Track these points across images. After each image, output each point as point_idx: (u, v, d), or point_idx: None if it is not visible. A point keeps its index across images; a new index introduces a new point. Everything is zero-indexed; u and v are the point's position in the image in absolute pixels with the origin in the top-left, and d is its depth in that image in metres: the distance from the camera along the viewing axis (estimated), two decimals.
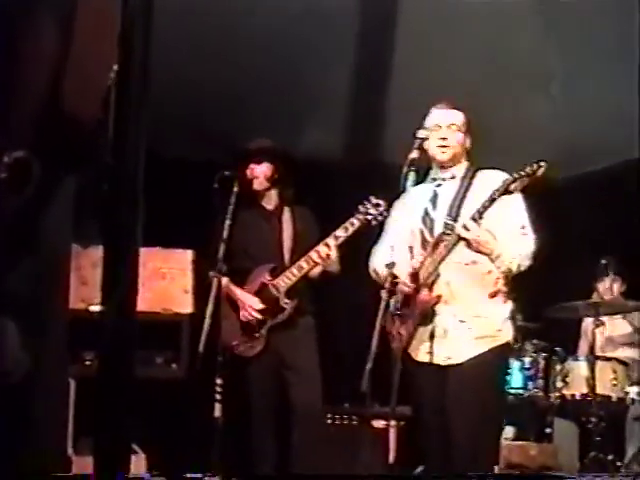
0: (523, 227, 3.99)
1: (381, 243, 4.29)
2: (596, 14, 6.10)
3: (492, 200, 3.77)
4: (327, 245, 4.79)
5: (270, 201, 5.12)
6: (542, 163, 3.76)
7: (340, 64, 6.34)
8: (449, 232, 3.91)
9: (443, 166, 4.12)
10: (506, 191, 3.77)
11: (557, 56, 6.73)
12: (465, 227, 3.80)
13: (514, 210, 3.96)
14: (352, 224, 4.80)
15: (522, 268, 3.97)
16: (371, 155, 6.79)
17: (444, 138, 4.06)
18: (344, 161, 6.98)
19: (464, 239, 3.82)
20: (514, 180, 3.76)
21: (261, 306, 4.91)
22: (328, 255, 4.79)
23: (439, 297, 3.94)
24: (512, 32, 6.43)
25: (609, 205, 7.29)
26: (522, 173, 3.76)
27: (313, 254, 4.82)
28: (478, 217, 3.79)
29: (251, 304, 4.92)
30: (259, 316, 4.90)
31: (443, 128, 4.08)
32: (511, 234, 3.94)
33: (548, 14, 6.29)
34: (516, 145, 7.05)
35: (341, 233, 4.80)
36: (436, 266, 3.92)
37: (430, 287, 3.94)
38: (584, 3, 5.98)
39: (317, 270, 4.91)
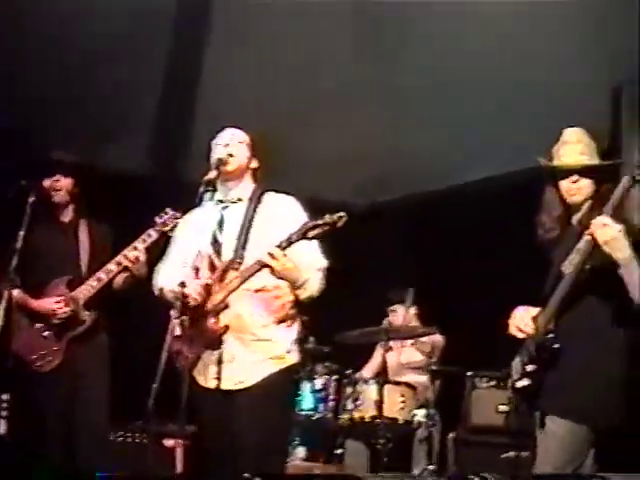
0: (316, 265, 4.07)
1: (166, 261, 4.29)
2: None
3: (290, 242, 3.80)
4: (136, 248, 4.77)
5: (68, 214, 5.05)
6: (342, 214, 3.77)
7: (146, 82, 6.35)
8: (239, 260, 3.97)
9: (228, 180, 4.14)
10: (304, 236, 3.80)
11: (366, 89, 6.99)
12: (271, 255, 3.81)
13: (308, 247, 4.00)
14: (149, 235, 4.81)
15: (315, 293, 4.07)
16: (175, 172, 6.81)
17: (227, 147, 4.11)
18: (147, 177, 6.98)
19: (269, 267, 3.84)
20: (313, 227, 3.79)
21: (62, 311, 4.82)
22: (137, 258, 4.76)
23: (227, 327, 3.95)
24: (326, 53, 6.61)
25: (407, 233, 7.61)
26: (321, 222, 3.77)
27: (112, 265, 4.79)
28: (281, 251, 3.81)
29: (51, 308, 4.82)
30: (63, 314, 4.81)
31: (228, 139, 4.15)
32: (305, 266, 4.00)
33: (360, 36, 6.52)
34: (323, 173, 7.27)
35: (140, 245, 4.80)
36: (226, 295, 3.93)
37: (218, 315, 3.94)
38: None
39: (119, 279, 4.89)
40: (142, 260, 4.78)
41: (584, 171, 3.71)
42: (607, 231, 3.40)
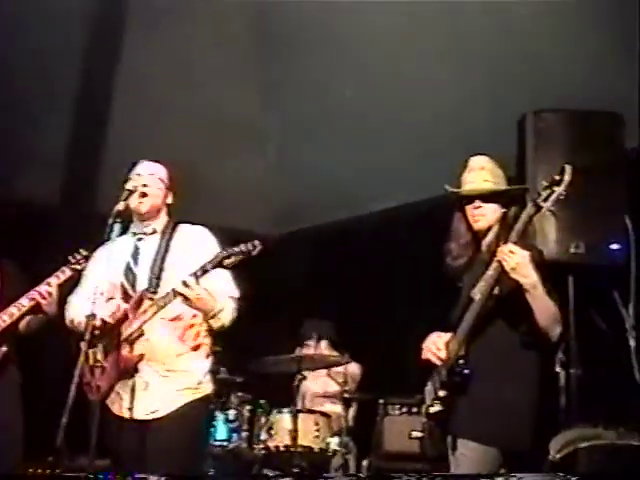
0: (229, 295, 4.09)
1: (78, 293, 4.26)
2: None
3: (204, 271, 3.81)
4: (49, 284, 4.69)
5: None
6: (257, 242, 3.80)
7: (57, 115, 6.31)
8: (154, 290, 3.95)
9: (143, 219, 4.15)
10: (219, 264, 3.81)
11: (275, 120, 7.07)
12: (185, 284, 3.81)
13: (221, 277, 4.03)
14: (63, 272, 4.74)
15: (228, 323, 4.08)
16: (87, 205, 6.74)
17: (145, 185, 4.10)
18: (59, 211, 6.89)
19: (183, 296, 3.84)
20: (228, 256, 3.80)
21: None
22: (50, 293, 4.68)
23: (142, 356, 3.93)
24: (232, 97, 6.69)
25: (319, 262, 7.66)
26: (236, 250, 3.80)
27: (24, 301, 4.69)
28: (195, 280, 3.81)
29: None
30: None
31: (144, 176, 4.13)
32: (219, 296, 4.01)
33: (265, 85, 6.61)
34: (238, 202, 7.30)
35: (54, 280, 4.73)
36: (141, 324, 3.92)
37: (132, 344, 3.93)
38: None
39: (28, 318, 4.79)
40: (54, 296, 4.70)
41: (486, 197, 3.79)
42: (514, 258, 3.48)
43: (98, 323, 3.89)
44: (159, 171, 4.20)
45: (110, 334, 3.98)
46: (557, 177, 3.48)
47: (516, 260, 3.48)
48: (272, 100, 7.04)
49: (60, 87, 6.17)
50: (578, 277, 4.97)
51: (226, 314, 4.05)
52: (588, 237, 4.84)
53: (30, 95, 6.10)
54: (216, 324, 4.04)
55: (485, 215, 3.80)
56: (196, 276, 3.82)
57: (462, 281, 3.86)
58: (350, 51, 6.50)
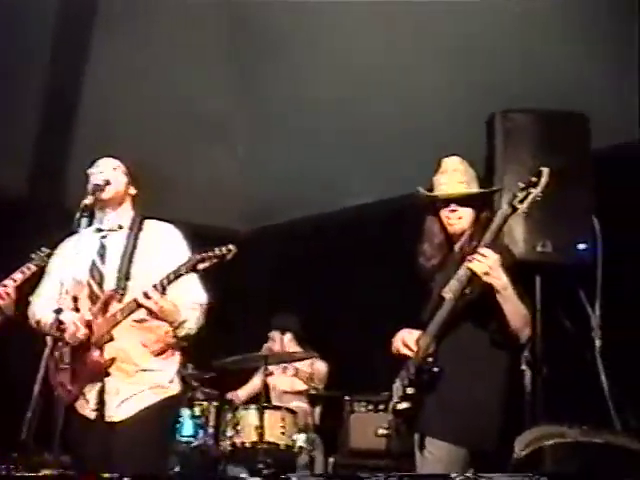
0: (197, 302, 4.04)
1: (41, 293, 4.20)
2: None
3: (178, 275, 3.77)
4: (5, 285, 4.64)
5: None
6: (231, 247, 3.76)
7: (28, 107, 6.27)
8: (122, 291, 3.91)
9: (106, 207, 4.10)
10: (193, 268, 3.76)
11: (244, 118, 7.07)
12: (147, 295, 3.76)
13: (189, 282, 3.97)
14: (29, 269, 4.69)
15: (194, 332, 4.04)
16: (54, 197, 6.70)
17: (103, 174, 4.06)
18: (28, 201, 6.84)
19: (144, 306, 3.79)
20: (202, 260, 3.75)
21: None
22: (8, 294, 4.62)
23: (113, 360, 3.89)
24: (202, 95, 6.68)
25: (289, 259, 7.65)
26: (211, 254, 3.74)
27: None
28: (161, 289, 3.77)
29: None
30: None
31: (106, 168, 4.09)
32: (186, 305, 3.97)
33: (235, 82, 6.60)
34: (207, 199, 7.29)
35: (18, 276, 4.67)
36: (110, 328, 3.87)
37: (102, 347, 3.88)
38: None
39: None
40: (12, 296, 4.65)
41: (462, 200, 3.79)
42: (486, 262, 3.48)
43: (68, 337, 3.85)
44: (118, 163, 4.16)
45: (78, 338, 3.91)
46: (533, 179, 3.47)
47: (489, 263, 3.48)
48: (242, 97, 7.03)
49: (29, 83, 6.12)
50: (545, 276, 5.00)
51: (190, 324, 3.99)
52: (555, 236, 4.87)
53: None
54: (180, 333, 4.00)
55: (461, 218, 3.80)
56: (169, 280, 3.77)
57: (434, 280, 3.86)
58: (320, 49, 6.51)
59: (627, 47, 5.31)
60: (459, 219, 3.79)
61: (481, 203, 3.81)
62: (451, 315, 3.60)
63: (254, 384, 6.62)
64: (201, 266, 3.76)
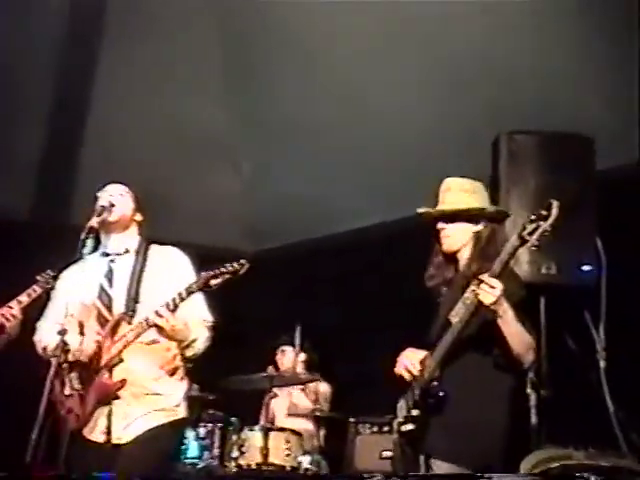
0: (204, 320, 4.06)
1: (48, 317, 4.20)
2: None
3: (190, 292, 3.78)
4: (10, 307, 4.64)
5: None
6: (243, 261, 3.77)
7: (32, 127, 6.30)
8: (131, 313, 3.91)
9: (112, 231, 4.10)
10: (206, 285, 3.78)
11: (246, 137, 7.09)
12: (158, 314, 3.77)
13: (195, 301, 3.99)
14: (35, 291, 4.69)
15: (201, 352, 4.06)
16: (60, 219, 6.72)
17: (111, 197, 4.07)
18: (32, 224, 6.86)
19: (157, 326, 3.80)
20: (215, 276, 3.76)
21: None
22: (14, 315, 4.62)
23: (123, 382, 3.87)
24: (204, 115, 6.71)
25: (293, 280, 7.65)
26: (224, 270, 3.75)
27: None
28: (173, 306, 3.78)
29: None
30: None
31: (115, 195, 4.11)
32: (194, 323, 3.99)
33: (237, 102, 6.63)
34: (210, 220, 7.30)
35: (24, 298, 4.68)
36: (120, 350, 3.87)
37: (111, 370, 3.87)
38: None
39: None
40: (18, 318, 4.65)
41: (448, 217, 3.77)
42: (494, 292, 3.44)
43: (71, 358, 3.84)
44: (128, 190, 4.19)
45: (86, 363, 3.92)
46: (544, 212, 3.42)
47: (496, 294, 3.44)
48: (243, 117, 7.05)
49: (35, 100, 6.16)
50: (550, 298, 5.00)
51: (199, 343, 4.02)
52: (559, 258, 4.89)
53: (3, 110, 6.08)
54: (189, 353, 4.02)
55: (449, 236, 3.79)
56: (181, 298, 3.78)
57: (440, 301, 3.84)
58: (323, 69, 6.53)
59: (626, 64, 5.32)
60: (447, 237, 3.79)
61: (480, 221, 3.79)
62: (458, 339, 3.58)
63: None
64: (214, 282, 3.78)
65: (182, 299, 3.79)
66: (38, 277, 4.68)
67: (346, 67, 6.42)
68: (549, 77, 5.73)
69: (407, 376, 3.75)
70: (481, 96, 5.98)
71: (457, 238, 3.79)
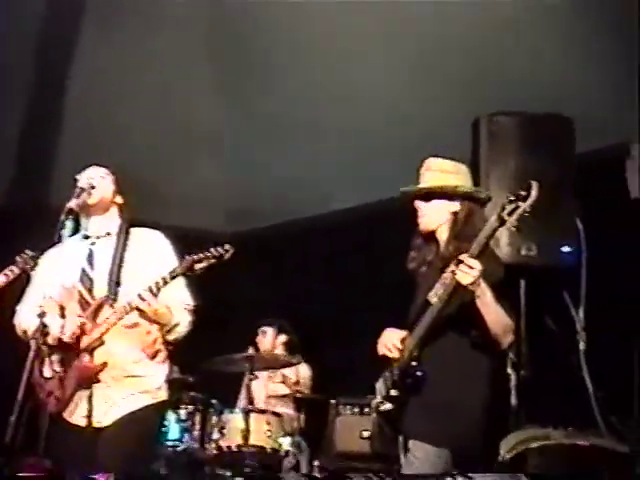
0: (186, 304, 4.05)
1: (27, 302, 4.15)
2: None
3: (174, 276, 3.76)
4: None
5: None
6: (228, 247, 3.76)
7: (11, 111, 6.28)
8: (113, 297, 3.89)
9: (93, 214, 4.07)
10: (190, 269, 3.76)
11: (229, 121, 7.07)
12: (141, 297, 3.76)
13: (177, 285, 3.97)
14: (12, 271, 4.66)
15: (182, 336, 4.05)
16: (38, 202, 6.68)
17: (90, 179, 4.03)
18: (9, 204, 6.82)
19: (140, 309, 3.79)
20: (199, 260, 3.75)
21: None
22: None
23: (104, 365, 3.86)
24: (186, 98, 6.70)
25: (275, 261, 7.66)
26: (208, 254, 3.74)
27: None
28: (156, 290, 3.76)
29: None
30: None
31: (95, 177, 4.06)
32: (176, 307, 3.97)
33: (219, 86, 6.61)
34: (192, 202, 7.29)
35: (1, 279, 4.64)
36: (103, 333, 3.84)
37: (92, 352, 3.84)
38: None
39: None
40: None
41: (422, 196, 3.76)
42: (472, 273, 3.44)
43: (51, 341, 3.81)
44: (108, 173, 4.15)
45: (67, 345, 3.88)
46: (523, 193, 3.42)
47: (474, 274, 3.44)
48: (226, 101, 7.03)
49: (15, 84, 6.12)
50: (530, 279, 5.02)
51: (181, 327, 4.01)
52: (539, 239, 4.90)
53: None
54: (171, 337, 4.00)
55: (425, 215, 3.80)
56: (164, 281, 3.77)
57: (420, 282, 3.84)
58: (305, 53, 6.51)
59: (610, 45, 5.34)
60: (422, 217, 3.78)
61: (451, 201, 3.77)
62: (437, 319, 3.58)
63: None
64: (198, 266, 3.77)
65: (165, 283, 3.77)
66: (17, 257, 4.66)
67: (329, 51, 6.42)
68: (530, 58, 5.75)
69: (389, 354, 3.75)
70: (462, 78, 5.99)
71: (433, 217, 3.78)
